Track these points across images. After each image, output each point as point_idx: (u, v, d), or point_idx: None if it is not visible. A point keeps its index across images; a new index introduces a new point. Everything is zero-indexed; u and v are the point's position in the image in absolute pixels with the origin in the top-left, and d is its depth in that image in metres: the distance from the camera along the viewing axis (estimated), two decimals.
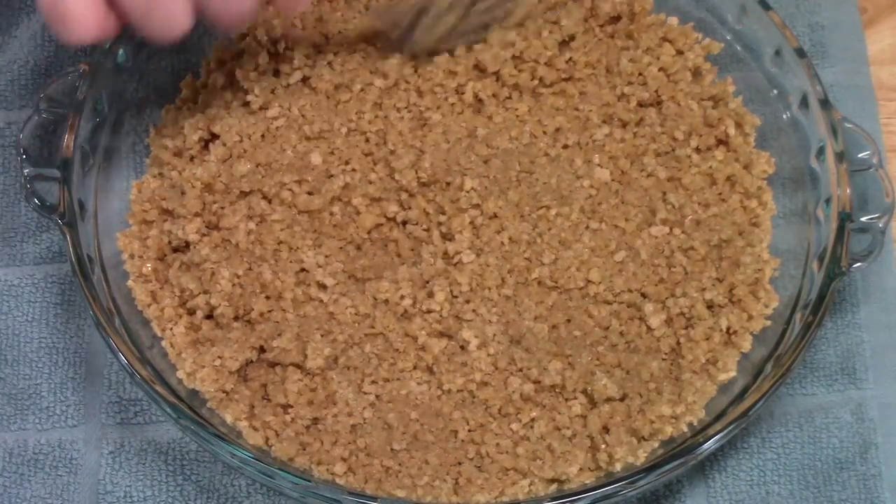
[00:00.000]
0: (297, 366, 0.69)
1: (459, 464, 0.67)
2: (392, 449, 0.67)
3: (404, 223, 0.72)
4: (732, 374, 0.69)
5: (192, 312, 0.70)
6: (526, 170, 0.73)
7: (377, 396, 0.68)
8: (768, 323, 0.70)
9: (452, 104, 0.75)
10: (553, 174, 0.73)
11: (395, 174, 0.73)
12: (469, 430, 0.67)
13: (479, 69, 0.75)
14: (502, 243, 0.71)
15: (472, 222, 0.72)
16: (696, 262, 0.71)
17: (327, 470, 0.66)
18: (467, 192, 0.72)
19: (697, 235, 0.72)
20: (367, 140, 0.74)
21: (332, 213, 0.72)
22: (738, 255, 0.71)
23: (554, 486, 0.66)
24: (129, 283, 0.70)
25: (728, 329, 0.70)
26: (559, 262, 0.71)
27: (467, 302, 0.70)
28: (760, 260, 0.71)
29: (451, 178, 0.72)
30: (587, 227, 0.72)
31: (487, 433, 0.67)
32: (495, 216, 0.72)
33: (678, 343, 0.69)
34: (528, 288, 0.71)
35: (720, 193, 0.73)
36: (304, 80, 0.75)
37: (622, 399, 0.68)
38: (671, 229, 0.72)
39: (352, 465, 0.66)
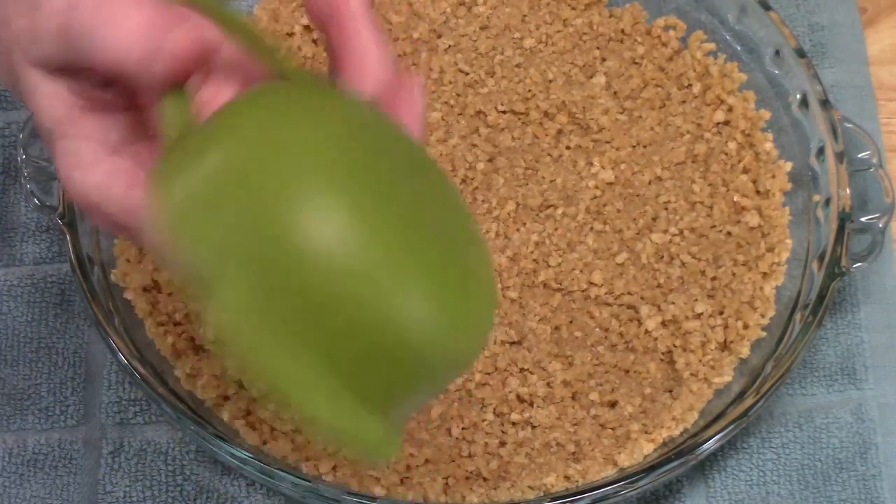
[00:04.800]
0: None
1: (452, 461, 0.67)
2: None
3: None
4: (729, 378, 0.69)
5: (193, 316, 0.70)
6: (531, 167, 0.73)
7: None
8: (763, 334, 0.69)
9: (452, 105, 0.75)
10: (558, 173, 0.73)
11: None
12: (463, 429, 0.67)
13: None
14: (506, 245, 0.71)
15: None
16: (694, 272, 0.71)
17: (315, 466, 0.66)
18: (473, 190, 0.72)
19: (698, 246, 0.72)
20: None
21: None
22: (737, 267, 0.71)
23: (551, 487, 0.66)
24: (126, 295, 0.70)
25: (725, 336, 0.70)
26: (563, 265, 0.71)
27: None
28: (761, 272, 0.71)
29: (455, 177, 0.72)
30: (591, 229, 0.72)
31: (480, 432, 0.67)
32: (503, 217, 0.72)
33: (675, 345, 0.69)
34: (534, 290, 0.71)
35: (729, 215, 0.73)
36: None
37: (620, 399, 0.68)
38: (671, 238, 0.72)
39: (344, 462, 0.66)
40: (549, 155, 0.74)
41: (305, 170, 0.42)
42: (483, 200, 0.72)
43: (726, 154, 0.74)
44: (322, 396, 0.42)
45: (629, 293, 0.71)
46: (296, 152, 0.42)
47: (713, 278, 0.71)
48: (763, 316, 0.70)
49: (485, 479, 0.66)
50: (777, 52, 0.74)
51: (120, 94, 0.49)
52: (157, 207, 0.43)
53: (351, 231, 0.41)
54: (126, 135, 0.48)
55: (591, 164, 0.74)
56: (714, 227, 0.72)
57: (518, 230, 0.72)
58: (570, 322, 0.70)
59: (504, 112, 0.75)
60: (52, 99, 0.48)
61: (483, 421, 0.68)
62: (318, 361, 0.42)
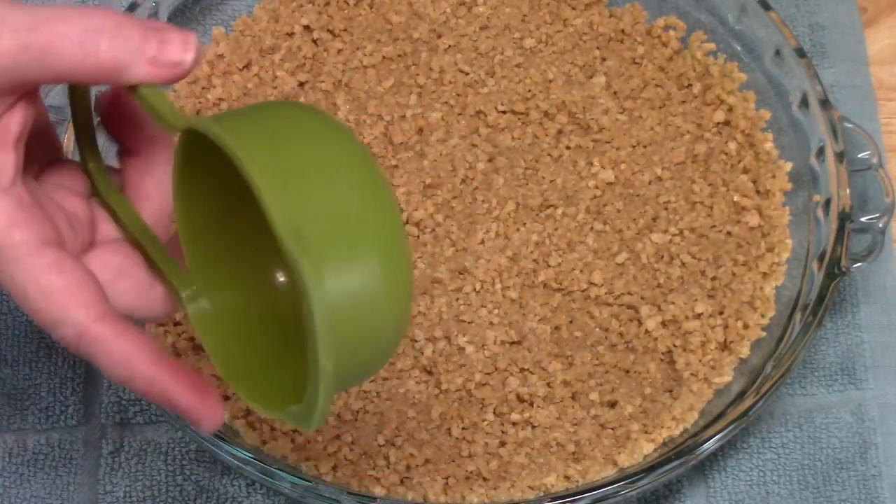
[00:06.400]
0: None
1: (452, 461, 0.67)
2: (385, 446, 0.67)
3: (404, 223, 0.72)
4: (729, 378, 0.69)
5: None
6: (531, 167, 0.73)
7: (377, 394, 0.68)
8: (763, 334, 0.70)
9: (452, 105, 0.75)
10: (558, 173, 0.73)
11: (396, 175, 0.73)
12: (463, 429, 0.67)
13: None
14: (506, 245, 0.71)
15: (473, 222, 0.72)
16: (694, 272, 0.71)
17: (315, 466, 0.66)
18: (473, 190, 0.72)
19: (698, 246, 0.72)
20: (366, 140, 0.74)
21: None
22: (737, 267, 0.71)
23: (551, 487, 0.66)
24: None
25: (725, 336, 0.70)
26: (563, 265, 0.71)
27: (469, 304, 0.70)
28: (761, 272, 0.71)
29: (455, 177, 0.72)
30: (591, 229, 0.72)
31: (480, 432, 0.67)
32: (503, 217, 0.72)
33: (675, 345, 0.69)
34: (534, 290, 0.71)
35: (729, 215, 0.73)
36: (301, 84, 0.76)
37: (620, 399, 0.68)
38: (671, 238, 0.72)
39: (344, 462, 0.66)
40: (549, 155, 0.74)
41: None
42: (483, 200, 0.72)
43: (726, 154, 0.74)
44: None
45: (629, 293, 0.71)
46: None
47: (713, 278, 0.71)
48: (763, 316, 0.70)
49: (485, 479, 0.66)
50: (777, 52, 0.74)
51: (11, 131, 0.48)
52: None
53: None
54: (10, 176, 0.48)
55: (591, 164, 0.74)
56: (714, 227, 0.72)
57: (518, 230, 0.72)
58: (570, 322, 0.70)
59: (504, 112, 0.75)
60: None
61: (483, 421, 0.68)
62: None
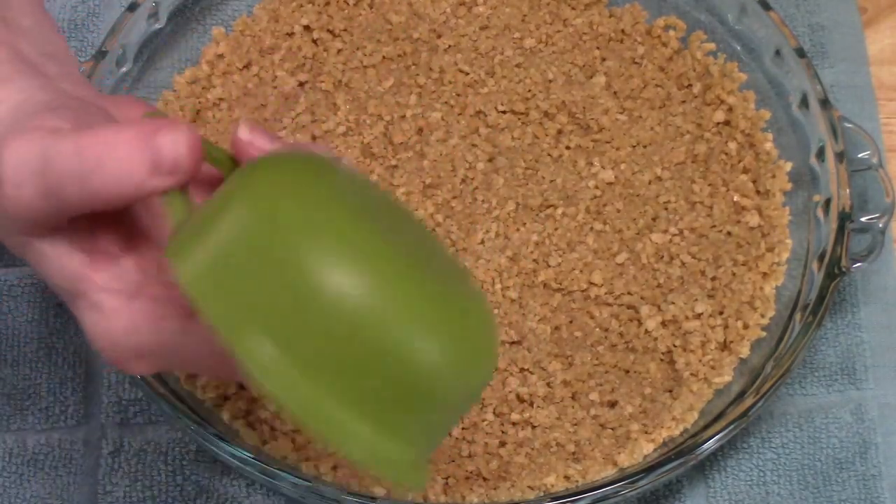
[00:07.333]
0: None
1: (452, 461, 0.67)
2: None
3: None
4: (729, 378, 0.69)
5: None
6: (531, 167, 0.73)
7: None
8: (763, 334, 0.70)
9: (452, 105, 0.75)
10: (558, 173, 0.73)
11: (396, 175, 0.73)
12: (463, 429, 0.67)
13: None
14: (506, 245, 0.71)
15: (473, 222, 0.72)
16: (694, 272, 0.71)
17: (315, 466, 0.66)
18: (473, 190, 0.72)
19: (698, 246, 0.72)
20: (365, 140, 0.74)
21: None
22: (737, 267, 0.71)
23: (551, 487, 0.66)
24: None
25: (725, 336, 0.70)
26: (563, 265, 0.71)
27: None
28: (761, 272, 0.71)
29: (455, 177, 0.72)
30: (591, 229, 0.72)
31: (480, 432, 0.67)
32: (503, 217, 0.72)
33: (675, 345, 0.69)
34: (534, 290, 0.71)
35: (729, 215, 0.73)
36: (301, 84, 0.76)
37: (620, 399, 0.68)
38: (671, 238, 0.72)
39: (343, 462, 0.66)
40: (549, 155, 0.74)
41: (318, 226, 0.45)
42: (483, 200, 0.72)
43: (726, 154, 0.74)
44: (351, 431, 0.46)
45: (629, 293, 0.71)
46: (306, 212, 0.46)
47: (713, 278, 0.71)
48: (763, 316, 0.70)
49: (485, 479, 0.66)
50: (777, 52, 0.74)
51: (113, 241, 0.49)
52: (181, 286, 0.45)
53: (364, 279, 0.45)
54: (137, 278, 0.49)
55: (591, 164, 0.74)
56: (714, 227, 0.72)
57: (518, 230, 0.72)
58: (570, 322, 0.70)
59: (504, 112, 0.75)
60: (59, 260, 0.49)
61: (483, 421, 0.68)
62: (345, 401, 0.46)
